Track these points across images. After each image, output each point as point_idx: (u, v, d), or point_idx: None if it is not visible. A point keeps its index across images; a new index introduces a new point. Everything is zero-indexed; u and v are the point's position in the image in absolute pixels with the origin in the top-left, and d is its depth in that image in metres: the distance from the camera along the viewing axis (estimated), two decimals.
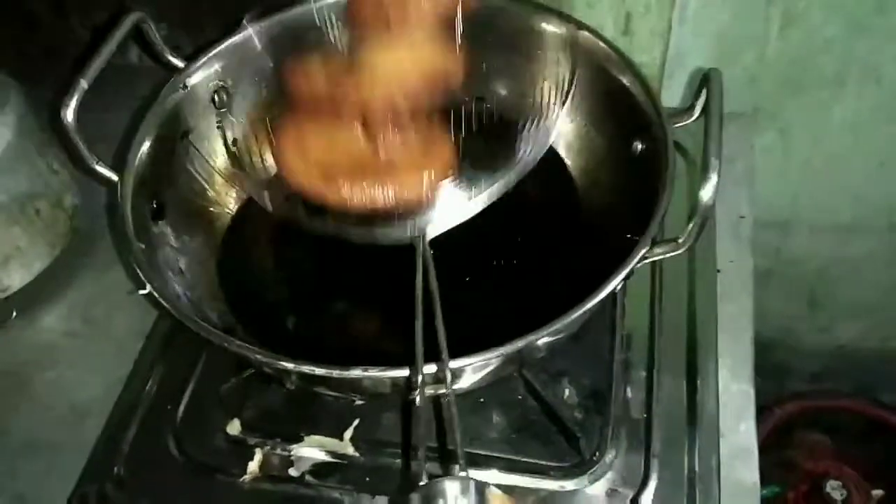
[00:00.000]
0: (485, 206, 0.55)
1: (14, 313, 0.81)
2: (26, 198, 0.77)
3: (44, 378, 0.75)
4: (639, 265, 0.47)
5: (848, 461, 1.06)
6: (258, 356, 0.45)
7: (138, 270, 0.49)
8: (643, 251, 0.47)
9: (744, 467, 0.56)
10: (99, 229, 0.86)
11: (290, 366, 0.44)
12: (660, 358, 0.60)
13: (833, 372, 1.28)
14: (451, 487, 0.35)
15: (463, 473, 0.37)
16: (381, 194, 0.53)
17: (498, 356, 0.44)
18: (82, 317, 0.79)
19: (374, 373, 0.44)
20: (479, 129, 0.64)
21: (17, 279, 0.78)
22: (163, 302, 0.47)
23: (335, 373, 0.44)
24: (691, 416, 0.57)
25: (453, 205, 0.55)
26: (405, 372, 0.43)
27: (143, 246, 0.50)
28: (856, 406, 1.17)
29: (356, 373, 0.44)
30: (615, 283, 0.46)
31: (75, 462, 0.61)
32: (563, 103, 0.60)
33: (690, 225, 0.46)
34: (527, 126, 0.60)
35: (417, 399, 0.41)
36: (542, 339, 0.45)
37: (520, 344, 0.44)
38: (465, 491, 0.35)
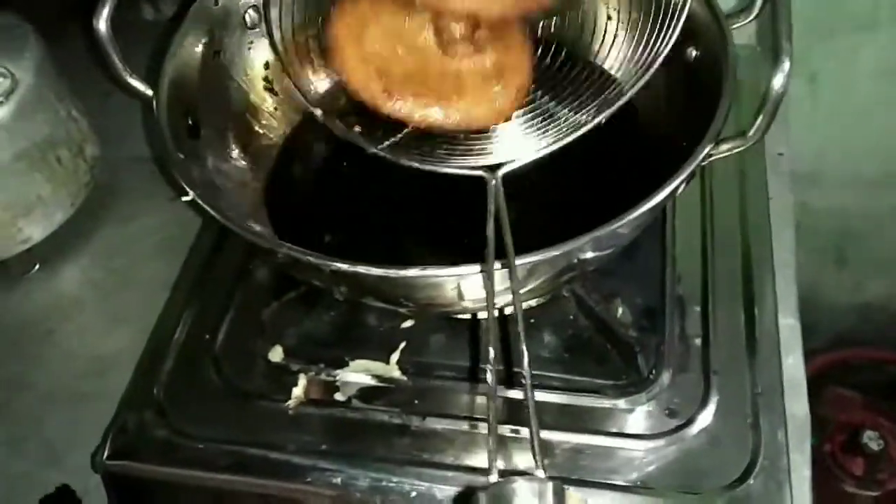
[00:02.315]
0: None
1: (36, 265, 0.80)
2: (47, 144, 0.76)
3: (67, 329, 0.73)
4: (704, 163, 0.46)
5: (881, 413, 1.04)
6: (311, 258, 0.43)
7: (179, 178, 0.47)
8: (709, 147, 0.45)
9: (793, 400, 0.54)
10: (120, 181, 0.85)
11: (344, 267, 0.42)
12: (713, 279, 0.58)
13: (859, 331, 1.27)
14: (525, 488, 0.31)
15: (540, 473, 0.32)
16: (446, 114, 0.50)
17: (564, 252, 0.42)
18: (105, 268, 0.78)
19: (432, 272, 0.42)
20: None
21: (38, 230, 0.77)
22: (206, 207, 0.45)
23: (392, 273, 0.42)
24: (749, 336, 0.55)
25: (527, 139, 0.52)
26: (463, 270, 0.41)
27: (182, 156, 0.48)
28: (885, 356, 1.15)
29: (413, 272, 0.42)
30: (681, 178, 0.44)
31: (102, 411, 0.59)
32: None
33: (760, 117, 0.44)
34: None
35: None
36: (608, 232, 0.43)
37: (586, 238, 0.42)
38: (541, 494, 0.31)
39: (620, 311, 0.55)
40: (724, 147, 0.46)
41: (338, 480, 0.51)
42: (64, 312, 0.75)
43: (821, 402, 1.12)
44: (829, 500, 1.00)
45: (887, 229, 1.16)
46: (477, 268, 0.41)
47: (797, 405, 0.54)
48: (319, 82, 0.64)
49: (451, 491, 0.50)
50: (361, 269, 0.42)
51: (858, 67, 0.99)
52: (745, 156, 0.64)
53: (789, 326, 0.58)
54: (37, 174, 0.75)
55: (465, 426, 0.53)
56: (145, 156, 0.86)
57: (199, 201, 0.45)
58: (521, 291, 0.46)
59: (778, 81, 0.43)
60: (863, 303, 1.26)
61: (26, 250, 0.76)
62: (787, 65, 0.43)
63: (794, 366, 0.56)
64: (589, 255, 0.46)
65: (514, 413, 0.53)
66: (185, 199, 0.46)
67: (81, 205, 0.81)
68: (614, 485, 0.49)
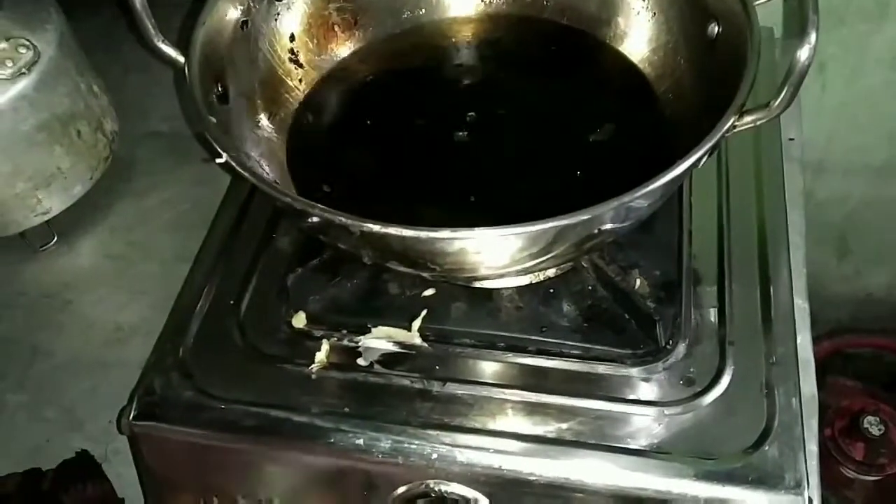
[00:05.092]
0: None
1: (55, 237, 0.80)
2: (68, 117, 0.77)
3: (87, 300, 0.74)
4: (728, 135, 0.46)
5: (882, 400, 1.05)
6: (343, 219, 0.44)
7: (212, 140, 0.48)
8: (733, 119, 0.46)
9: (802, 379, 0.55)
10: (138, 156, 0.86)
11: (376, 228, 0.43)
12: (729, 254, 0.59)
13: (860, 321, 1.28)
14: None
15: None
16: None
17: (588, 218, 0.43)
18: (124, 240, 0.79)
19: (462, 234, 0.43)
20: None
21: (57, 202, 0.78)
22: (239, 168, 0.46)
23: (423, 234, 0.43)
24: (765, 309, 0.56)
25: None
26: (491, 232, 0.42)
27: (214, 120, 0.49)
28: (885, 343, 1.16)
29: (444, 234, 0.43)
30: (705, 149, 0.45)
31: (121, 379, 0.60)
32: None
33: (785, 89, 0.45)
34: None
35: None
36: (631, 203, 0.44)
37: (612, 205, 0.43)
38: None
39: (638, 282, 0.56)
40: (748, 119, 0.47)
41: (360, 442, 0.52)
42: (83, 284, 0.76)
43: (821, 389, 1.12)
44: (829, 485, 1.01)
45: (890, 219, 1.17)
46: (504, 229, 0.42)
47: (806, 384, 0.56)
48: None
49: (471, 454, 0.51)
50: (392, 230, 0.43)
51: (867, 56, 0.99)
52: (761, 137, 0.66)
53: (799, 307, 0.59)
54: (57, 146, 0.76)
55: (484, 391, 0.53)
56: (164, 131, 0.88)
57: (233, 163, 0.46)
58: (543, 259, 0.48)
59: (804, 53, 0.44)
60: (864, 292, 1.27)
61: (45, 222, 0.77)
62: (813, 37, 0.43)
63: (802, 346, 0.57)
64: (610, 225, 0.46)
65: (530, 379, 0.54)
66: (218, 160, 0.47)
67: (100, 179, 0.82)
68: (631, 449, 0.50)
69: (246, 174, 0.46)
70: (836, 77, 1.02)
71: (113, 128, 0.83)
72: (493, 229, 0.42)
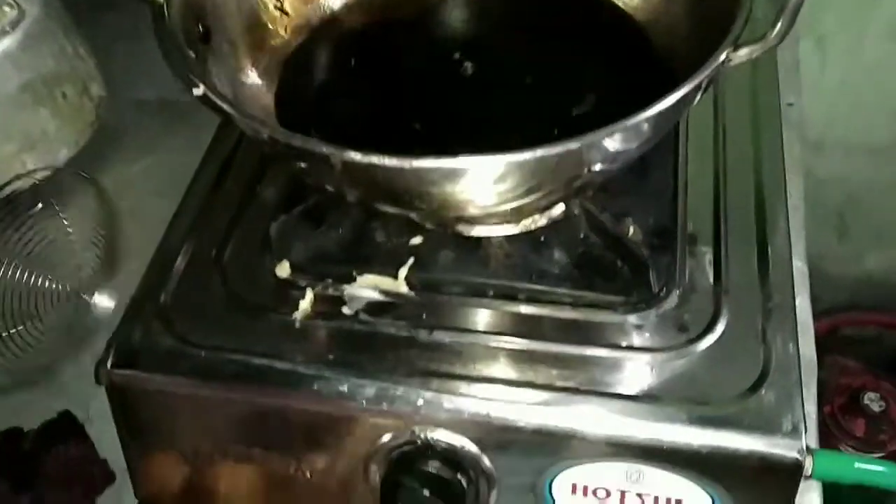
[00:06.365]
0: None
1: (40, 203, 0.79)
2: (53, 79, 0.76)
3: (72, 263, 0.72)
4: (724, 66, 0.45)
5: (882, 377, 1.04)
6: (324, 149, 0.42)
7: (190, 73, 0.46)
8: (728, 50, 0.45)
9: (802, 341, 0.54)
10: (126, 124, 0.85)
11: (357, 157, 0.42)
12: (726, 202, 0.57)
13: (859, 302, 1.26)
14: None
15: None
16: None
17: (579, 146, 0.41)
18: (110, 206, 0.78)
19: (446, 161, 0.41)
20: None
21: (42, 166, 0.76)
22: (215, 99, 0.45)
23: (406, 164, 0.42)
24: (762, 257, 0.55)
25: None
26: (480, 160, 0.41)
27: (194, 55, 0.48)
28: (885, 321, 1.15)
29: (428, 162, 0.42)
30: (699, 79, 0.44)
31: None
32: None
33: (781, 19, 0.44)
34: None
35: None
36: (622, 133, 0.42)
37: (603, 132, 0.42)
38: None
39: (632, 229, 0.55)
40: (744, 52, 0.45)
41: (344, 388, 0.50)
42: (68, 249, 0.75)
43: (821, 368, 1.11)
44: None
45: (892, 199, 1.15)
46: (487, 157, 0.41)
47: (806, 346, 0.54)
48: None
49: (459, 401, 0.50)
50: (375, 159, 0.42)
51: (867, 31, 0.98)
52: (759, 99, 0.65)
53: (798, 269, 0.57)
54: (42, 109, 0.75)
55: (472, 339, 0.52)
56: (152, 99, 0.86)
57: (210, 94, 0.45)
58: (532, 198, 0.46)
59: None
60: (865, 274, 1.26)
61: (29, 189, 0.77)
62: None
63: (802, 308, 0.55)
64: (599, 164, 0.45)
65: (520, 327, 0.52)
66: (196, 91, 0.45)
67: (87, 144, 0.81)
68: (623, 395, 0.49)
69: (224, 105, 0.45)
70: (835, 52, 1.01)
71: (100, 92, 0.82)
72: (476, 156, 0.41)
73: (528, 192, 0.46)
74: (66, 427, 0.65)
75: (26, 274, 0.74)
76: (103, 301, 0.72)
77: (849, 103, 1.06)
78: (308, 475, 0.53)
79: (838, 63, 1.02)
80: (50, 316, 0.72)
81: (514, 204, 0.47)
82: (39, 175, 0.78)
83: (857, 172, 1.15)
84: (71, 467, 0.63)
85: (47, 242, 0.79)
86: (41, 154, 0.77)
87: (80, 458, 0.63)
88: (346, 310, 0.54)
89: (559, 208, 0.55)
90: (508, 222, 0.55)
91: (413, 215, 0.53)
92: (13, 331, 0.65)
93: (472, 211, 0.48)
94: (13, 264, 0.74)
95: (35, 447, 0.64)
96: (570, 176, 0.46)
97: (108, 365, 0.53)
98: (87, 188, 0.82)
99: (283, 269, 0.56)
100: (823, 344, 1.04)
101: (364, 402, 0.50)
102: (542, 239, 0.55)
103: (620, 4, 0.62)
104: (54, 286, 0.74)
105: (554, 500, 0.50)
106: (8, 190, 0.77)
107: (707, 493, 0.47)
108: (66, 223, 0.80)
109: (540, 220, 0.55)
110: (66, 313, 0.70)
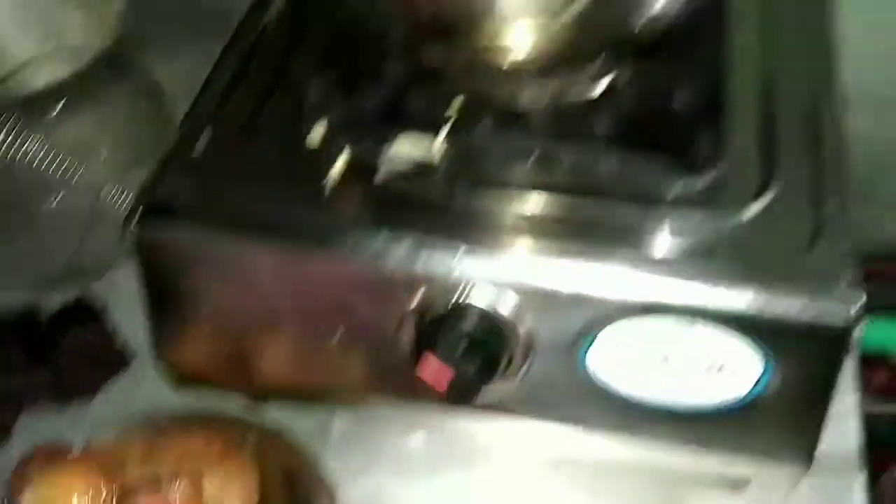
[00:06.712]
0: None
1: (59, 106, 0.79)
2: None
3: (94, 164, 0.74)
4: None
5: None
6: None
7: None
8: None
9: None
10: (148, 31, 0.86)
11: None
12: (775, 84, 0.56)
13: (879, 273, 1.21)
14: None
15: None
16: None
17: None
18: (133, 109, 0.78)
19: None
20: None
21: (65, 66, 0.76)
22: None
23: None
24: (812, 139, 0.53)
25: None
26: None
27: None
28: None
29: None
30: None
31: None
32: None
33: None
34: None
35: None
36: None
37: None
38: None
39: (680, 99, 0.52)
40: None
41: (377, 246, 0.49)
42: (89, 150, 0.75)
43: None
44: None
45: None
46: None
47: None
48: None
49: (493, 262, 0.48)
50: None
51: None
52: None
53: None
54: (68, 9, 0.74)
55: (509, 204, 0.50)
56: (174, 11, 0.86)
57: None
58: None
59: None
60: (885, 239, 1.21)
61: (52, 88, 0.75)
62: None
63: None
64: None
65: (561, 192, 0.51)
66: None
67: (109, 48, 0.80)
68: (667, 260, 0.47)
69: None
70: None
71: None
72: None
73: None
74: (84, 312, 0.65)
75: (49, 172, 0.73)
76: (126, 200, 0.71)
77: (877, 54, 1.01)
78: (338, 339, 0.51)
79: (867, 10, 0.97)
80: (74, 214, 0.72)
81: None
82: (63, 73, 0.77)
83: (886, 131, 1.10)
84: (87, 348, 0.62)
85: (71, 141, 0.78)
86: (66, 53, 0.77)
87: (96, 341, 0.63)
88: (380, 173, 0.52)
89: (605, 79, 0.53)
90: (553, 93, 0.53)
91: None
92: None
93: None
94: (36, 162, 0.73)
95: (51, 328, 0.64)
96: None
97: (135, 219, 0.51)
98: (111, 88, 0.82)
99: (318, 132, 0.54)
100: None
101: (395, 259, 0.48)
102: (587, 108, 0.54)
103: None
104: (77, 185, 0.73)
105: (589, 366, 0.48)
106: (32, 88, 0.76)
107: (756, 353, 0.45)
108: (89, 122, 0.79)
109: (585, 90, 0.53)
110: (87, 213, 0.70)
